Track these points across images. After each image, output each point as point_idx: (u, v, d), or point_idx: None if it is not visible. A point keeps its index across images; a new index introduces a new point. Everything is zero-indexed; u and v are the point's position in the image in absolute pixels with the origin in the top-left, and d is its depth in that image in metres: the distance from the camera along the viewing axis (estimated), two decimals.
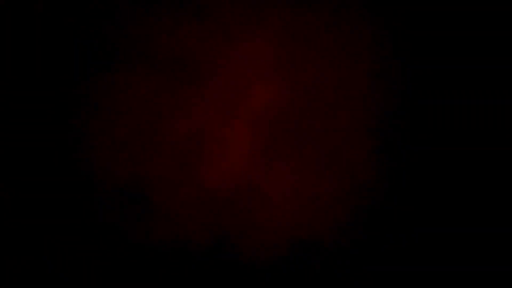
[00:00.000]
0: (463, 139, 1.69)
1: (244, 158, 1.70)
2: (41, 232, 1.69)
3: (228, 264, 1.68)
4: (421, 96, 1.70)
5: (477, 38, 1.71)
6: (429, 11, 1.71)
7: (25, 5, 1.64)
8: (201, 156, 1.70)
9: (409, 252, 1.68)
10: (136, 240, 1.68)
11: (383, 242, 1.67)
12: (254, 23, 1.72)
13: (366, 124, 1.70)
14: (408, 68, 1.71)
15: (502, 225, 1.67)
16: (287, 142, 1.70)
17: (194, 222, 1.69)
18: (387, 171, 1.69)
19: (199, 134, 1.71)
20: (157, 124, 1.71)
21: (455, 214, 1.68)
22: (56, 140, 1.70)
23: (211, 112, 1.72)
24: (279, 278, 1.68)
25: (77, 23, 1.72)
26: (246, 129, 1.71)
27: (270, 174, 1.70)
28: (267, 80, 1.72)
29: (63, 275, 1.68)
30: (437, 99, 1.70)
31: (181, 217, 1.69)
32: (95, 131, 1.70)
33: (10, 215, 1.69)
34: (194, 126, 1.71)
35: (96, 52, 1.72)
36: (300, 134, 1.70)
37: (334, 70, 1.71)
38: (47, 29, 1.72)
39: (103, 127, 1.70)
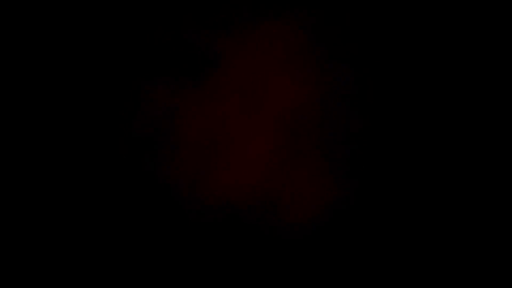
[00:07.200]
0: (462, 140, 1.72)
1: (262, 156, 1.69)
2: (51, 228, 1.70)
3: (244, 257, 1.70)
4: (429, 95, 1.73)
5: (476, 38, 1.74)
6: (432, 12, 1.73)
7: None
8: (219, 155, 1.70)
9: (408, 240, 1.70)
10: (156, 237, 1.69)
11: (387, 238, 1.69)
12: (269, 22, 1.71)
13: (378, 122, 1.71)
14: (419, 67, 1.72)
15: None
16: (304, 140, 1.70)
17: (211, 218, 1.70)
18: (398, 172, 1.71)
19: (217, 132, 1.71)
20: (175, 123, 1.71)
21: (454, 212, 1.70)
22: (80, 140, 1.71)
23: (230, 110, 1.71)
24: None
25: (94, 27, 1.72)
26: (264, 127, 1.70)
27: (288, 173, 1.69)
28: (284, 78, 1.71)
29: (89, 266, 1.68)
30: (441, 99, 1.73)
31: (198, 214, 1.70)
32: (113, 131, 1.71)
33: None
34: (213, 124, 1.71)
35: (113, 55, 1.73)
36: (317, 132, 1.70)
37: (351, 67, 1.71)
38: (71, 36, 1.72)
39: (122, 126, 1.71)
